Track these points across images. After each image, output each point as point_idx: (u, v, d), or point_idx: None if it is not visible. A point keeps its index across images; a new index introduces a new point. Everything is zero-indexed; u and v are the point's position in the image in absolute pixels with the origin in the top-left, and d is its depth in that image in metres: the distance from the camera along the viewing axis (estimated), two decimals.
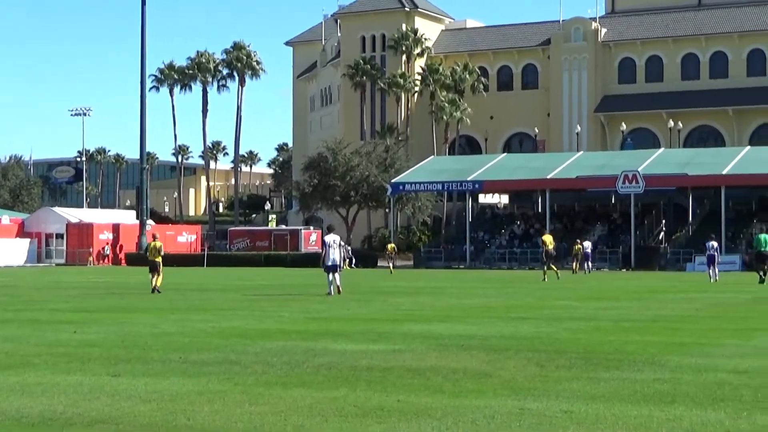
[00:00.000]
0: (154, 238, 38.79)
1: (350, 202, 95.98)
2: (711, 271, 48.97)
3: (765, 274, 44.07)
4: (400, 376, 13.40)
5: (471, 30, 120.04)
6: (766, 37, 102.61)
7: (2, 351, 16.60)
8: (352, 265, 71.54)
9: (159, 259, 36.96)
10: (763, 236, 46.08)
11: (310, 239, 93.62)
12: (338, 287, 34.19)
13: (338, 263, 34.59)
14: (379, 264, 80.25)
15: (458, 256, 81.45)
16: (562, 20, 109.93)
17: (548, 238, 52.85)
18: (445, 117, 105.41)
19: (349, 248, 75.91)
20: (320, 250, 36.11)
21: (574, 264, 64.35)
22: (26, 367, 14.44)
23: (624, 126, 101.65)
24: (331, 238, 34.79)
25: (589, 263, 64.73)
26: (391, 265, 67.87)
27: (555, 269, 51.46)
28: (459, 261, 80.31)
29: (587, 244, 65.62)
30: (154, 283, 36.46)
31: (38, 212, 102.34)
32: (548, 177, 78.72)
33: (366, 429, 9.79)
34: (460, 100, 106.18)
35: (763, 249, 44.65)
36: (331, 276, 34.31)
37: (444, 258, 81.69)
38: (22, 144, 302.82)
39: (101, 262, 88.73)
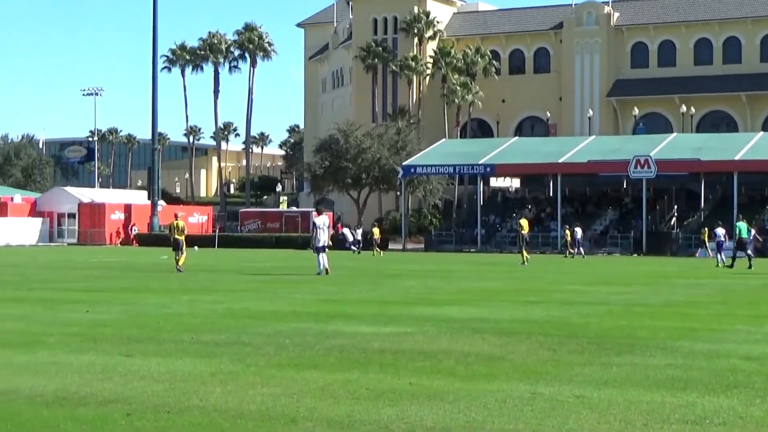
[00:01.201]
0: (176, 217, 39.51)
1: (361, 185, 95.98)
2: (719, 256, 49.86)
3: (734, 261, 46.25)
4: (411, 359, 13.39)
5: (483, 13, 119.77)
6: None
7: (15, 330, 16.64)
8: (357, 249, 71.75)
9: (182, 238, 37.68)
10: (740, 224, 47.59)
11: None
12: (326, 268, 35.23)
13: (326, 244, 35.81)
14: (390, 247, 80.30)
15: (469, 239, 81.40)
16: (575, 4, 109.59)
17: (524, 223, 53.45)
18: (456, 100, 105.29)
19: (359, 231, 76.19)
20: (312, 233, 37.11)
21: (573, 249, 64.89)
22: (39, 346, 14.47)
23: (636, 110, 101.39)
24: (321, 220, 36.16)
25: (581, 248, 65.17)
26: (378, 249, 68.35)
27: (526, 254, 51.32)
28: (470, 244, 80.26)
29: (578, 230, 66.11)
30: (179, 262, 36.99)
31: (50, 192, 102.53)
32: (560, 161, 78.58)
33: (378, 411, 9.79)
34: (471, 84, 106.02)
35: (742, 236, 46.69)
36: (320, 256, 35.44)
37: (455, 241, 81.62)
38: (34, 123, 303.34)
39: (127, 242, 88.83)
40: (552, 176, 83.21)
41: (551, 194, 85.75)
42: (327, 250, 36.00)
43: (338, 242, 65.13)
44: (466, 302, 23.69)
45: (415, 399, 10.42)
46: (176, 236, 37.98)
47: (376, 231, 71.95)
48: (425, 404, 10.15)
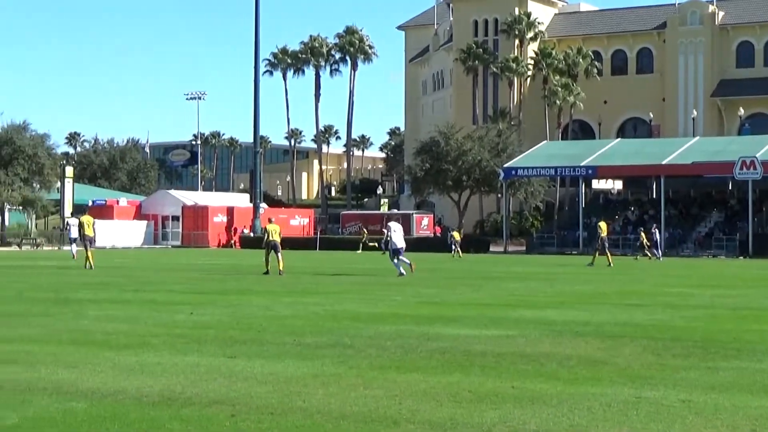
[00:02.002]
0: (270, 221, 39.58)
1: (462, 187, 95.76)
2: None
3: None
4: (513, 362, 13.35)
5: (585, 13, 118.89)
6: None
7: (121, 331, 16.90)
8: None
9: (278, 240, 37.85)
10: None
11: (422, 223, 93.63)
12: (403, 271, 36.33)
13: (402, 247, 36.94)
14: (491, 249, 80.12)
15: (571, 241, 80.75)
16: (678, 3, 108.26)
17: (603, 225, 53.21)
18: (558, 101, 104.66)
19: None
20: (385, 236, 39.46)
21: (649, 251, 64.42)
22: (145, 347, 14.68)
23: (742, 111, 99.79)
24: (395, 225, 37.59)
25: (658, 250, 64.76)
26: (458, 249, 68.52)
27: (595, 256, 51.28)
28: (572, 247, 79.66)
29: (655, 232, 65.87)
30: (279, 265, 37.15)
31: (155, 195, 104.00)
32: (663, 163, 77.63)
33: (481, 414, 9.76)
34: (573, 85, 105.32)
35: None
36: (396, 259, 36.81)
37: (557, 244, 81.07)
38: (139, 128, 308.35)
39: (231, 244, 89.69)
40: (655, 178, 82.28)
41: (654, 196, 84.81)
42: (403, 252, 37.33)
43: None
44: (568, 305, 23.53)
45: (518, 402, 10.38)
46: (273, 239, 38.09)
47: (456, 234, 72.20)
48: (528, 407, 10.10)
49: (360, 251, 75.48)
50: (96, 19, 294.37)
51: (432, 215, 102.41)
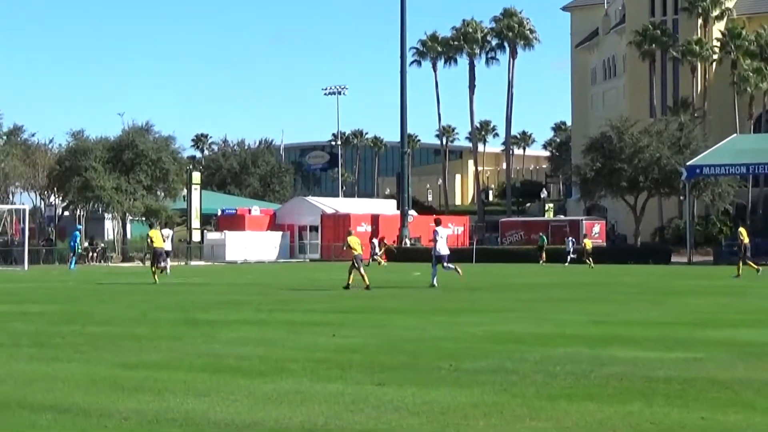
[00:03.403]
0: (350, 233, 41.21)
1: (638, 189, 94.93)
2: None
3: None
4: (702, 389, 13.17)
5: None
6: None
7: (256, 355, 17.12)
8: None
9: (360, 253, 39.50)
10: None
11: (593, 231, 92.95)
12: (435, 283, 38.43)
13: (446, 254, 39.29)
14: (673, 260, 79.18)
15: (766, 251, 79.26)
16: None
17: (744, 231, 52.56)
18: (749, 89, 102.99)
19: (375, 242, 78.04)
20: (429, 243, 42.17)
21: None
22: (283, 374, 14.84)
23: None
24: (441, 231, 39.74)
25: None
26: (590, 261, 69.31)
27: (751, 264, 51.37)
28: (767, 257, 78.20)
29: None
30: (364, 280, 37.92)
31: (290, 202, 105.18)
32: None
33: None
34: (767, 69, 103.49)
35: None
36: (438, 265, 38.98)
37: (750, 253, 79.56)
38: (272, 127, 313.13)
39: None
40: None
41: None
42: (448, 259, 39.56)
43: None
44: (764, 324, 23.14)
45: None
46: (358, 252, 39.19)
47: (588, 243, 72.12)
48: None
49: (386, 264, 75.64)
50: (223, 11, 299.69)
51: (604, 221, 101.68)
